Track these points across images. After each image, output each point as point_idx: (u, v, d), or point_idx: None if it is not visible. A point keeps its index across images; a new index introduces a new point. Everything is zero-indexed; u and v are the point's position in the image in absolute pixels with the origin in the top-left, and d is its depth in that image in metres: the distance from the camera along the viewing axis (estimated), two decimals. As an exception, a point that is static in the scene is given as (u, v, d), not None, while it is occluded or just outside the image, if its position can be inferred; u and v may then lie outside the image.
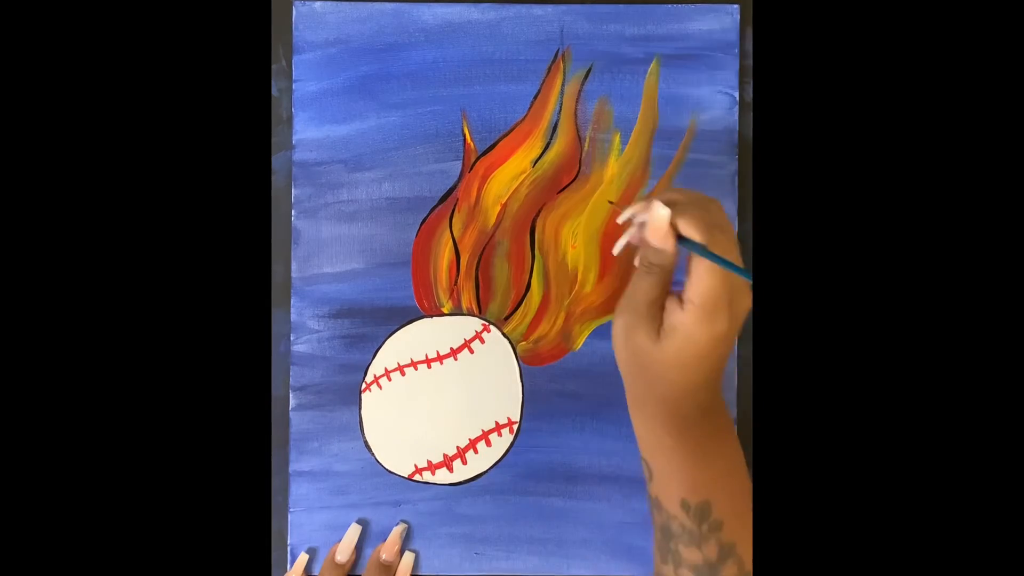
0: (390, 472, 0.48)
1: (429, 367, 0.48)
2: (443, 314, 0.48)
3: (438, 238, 0.49)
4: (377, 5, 0.49)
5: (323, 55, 0.49)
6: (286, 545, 0.48)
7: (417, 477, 0.48)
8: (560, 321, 0.49)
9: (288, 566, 0.48)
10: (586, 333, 0.49)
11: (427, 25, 0.49)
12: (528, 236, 0.49)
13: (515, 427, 0.48)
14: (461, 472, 0.48)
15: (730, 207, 0.48)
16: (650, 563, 0.47)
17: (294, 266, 0.48)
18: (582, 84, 0.49)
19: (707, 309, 0.35)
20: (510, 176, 0.49)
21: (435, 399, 0.48)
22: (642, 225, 0.38)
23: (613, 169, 0.49)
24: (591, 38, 0.49)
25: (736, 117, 0.49)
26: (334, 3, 0.49)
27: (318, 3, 0.49)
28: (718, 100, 0.49)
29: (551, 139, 0.49)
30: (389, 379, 0.48)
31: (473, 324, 0.48)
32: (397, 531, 0.47)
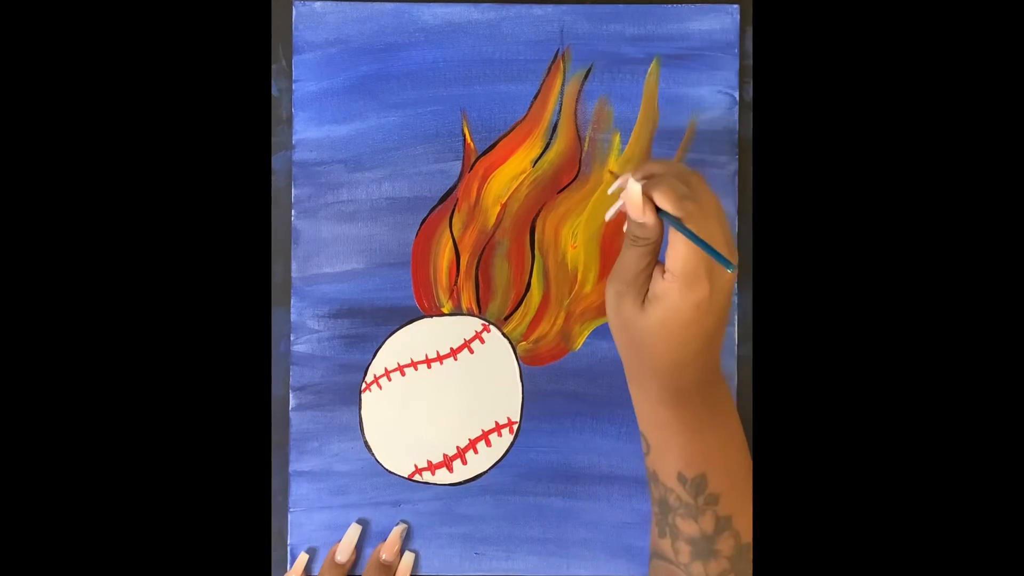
0: (390, 472, 0.48)
1: (429, 367, 0.48)
2: (443, 314, 0.48)
3: (438, 238, 0.49)
4: (377, 5, 0.49)
5: (323, 55, 0.49)
6: (286, 545, 0.48)
7: (417, 477, 0.48)
8: (560, 321, 0.49)
9: (288, 566, 0.48)
10: (586, 333, 0.49)
11: (427, 25, 0.49)
12: (528, 236, 0.49)
13: (515, 427, 0.48)
14: (461, 472, 0.48)
15: (730, 207, 0.48)
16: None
17: (294, 266, 0.48)
18: (582, 84, 0.49)
19: (687, 277, 0.35)
20: (510, 176, 0.49)
21: (435, 399, 0.48)
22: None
23: (613, 169, 0.49)
24: (591, 38, 0.49)
25: (736, 117, 0.49)
26: (334, 3, 0.49)
27: (318, 3, 0.49)
28: (718, 100, 0.49)
29: (551, 139, 0.49)
30: (389, 379, 0.48)
31: (473, 324, 0.48)
32: (397, 531, 0.47)
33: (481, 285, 0.49)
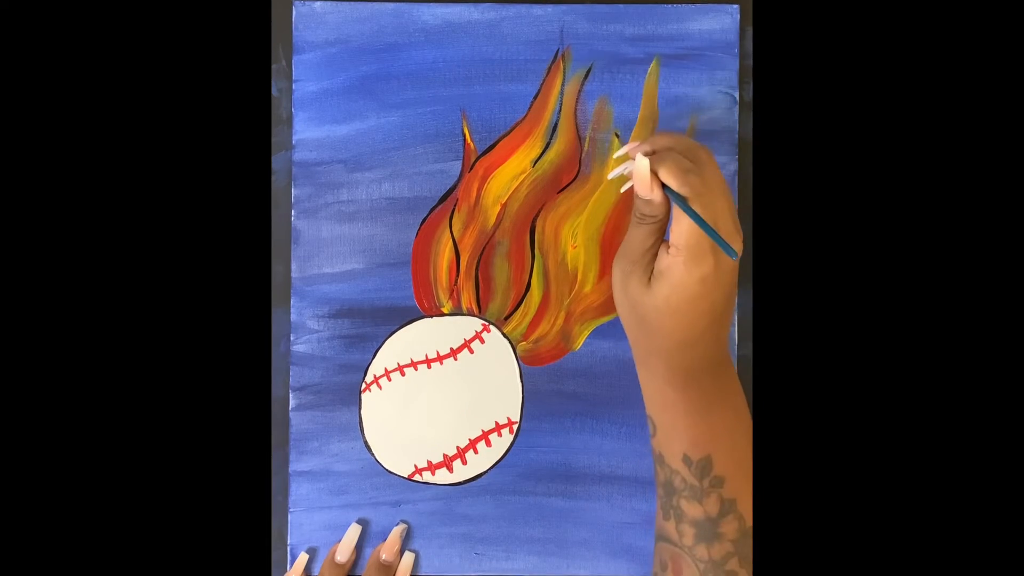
0: (390, 472, 0.48)
1: (429, 367, 0.48)
2: (443, 314, 0.48)
3: (438, 238, 0.49)
4: (377, 5, 0.49)
5: (323, 55, 0.49)
6: (286, 545, 0.48)
7: (417, 477, 0.48)
8: (560, 321, 0.49)
9: (288, 566, 0.48)
10: (586, 333, 0.49)
11: (427, 25, 0.49)
12: (528, 236, 0.49)
13: (515, 427, 0.48)
14: (461, 472, 0.48)
15: (730, 207, 0.48)
16: (650, 563, 0.47)
17: (294, 266, 0.48)
18: (582, 84, 0.49)
19: (692, 251, 0.35)
20: (510, 176, 0.49)
21: (435, 399, 0.48)
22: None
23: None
24: (591, 38, 0.49)
25: (736, 117, 0.49)
26: (334, 3, 0.49)
27: (318, 3, 0.49)
28: (718, 100, 0.49)
29: (551, 139, 0.49)
30: (389, 379, 0.48)
31: (473, 324, 0.48)
32: (397, 531, 0.47)
33: (481, 285, 0.49)
